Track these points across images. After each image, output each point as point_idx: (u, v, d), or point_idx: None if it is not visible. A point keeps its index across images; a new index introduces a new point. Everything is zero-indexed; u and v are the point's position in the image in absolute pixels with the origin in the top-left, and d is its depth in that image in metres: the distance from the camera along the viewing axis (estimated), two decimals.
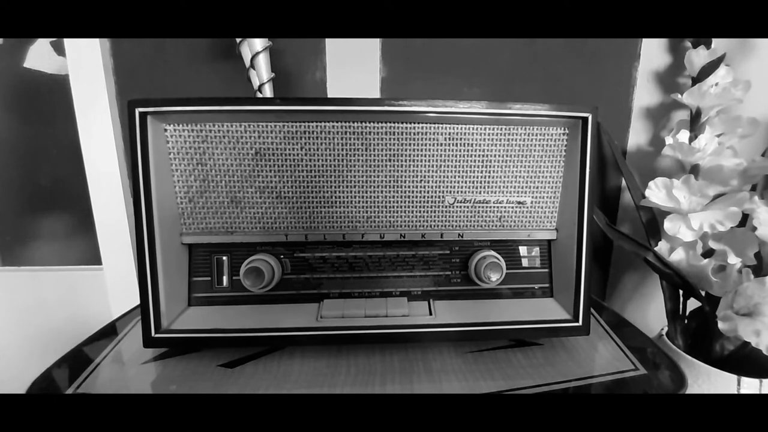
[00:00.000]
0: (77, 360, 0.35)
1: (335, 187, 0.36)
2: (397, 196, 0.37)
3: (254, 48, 0.49)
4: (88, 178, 0.63)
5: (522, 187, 0.38)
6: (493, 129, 0.36)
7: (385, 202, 0.37)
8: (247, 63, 0.51)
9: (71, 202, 0.70)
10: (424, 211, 0.38)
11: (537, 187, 0.38)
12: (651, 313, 0.69)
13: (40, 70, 0.65)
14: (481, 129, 0.36)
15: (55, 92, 0.65)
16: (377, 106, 0.33)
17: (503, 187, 0.37)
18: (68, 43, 0.59)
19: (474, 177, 0.37)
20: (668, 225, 0.48)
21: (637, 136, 0.64)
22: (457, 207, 0.38)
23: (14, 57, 0.64)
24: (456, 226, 0.38)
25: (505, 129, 0.36)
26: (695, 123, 0.54)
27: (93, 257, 0.70)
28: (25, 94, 0.66)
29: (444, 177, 0.37)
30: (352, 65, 0.60)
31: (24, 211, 0.71)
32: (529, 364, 0.35)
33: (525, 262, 0.40)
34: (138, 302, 0.39)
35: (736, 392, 0.45)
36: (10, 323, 0.74)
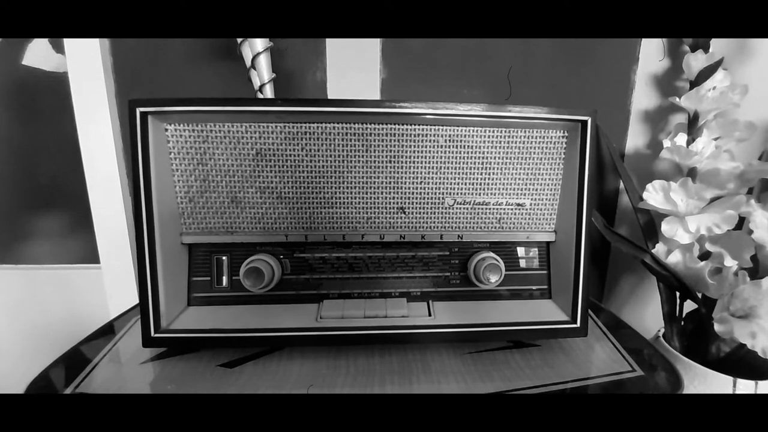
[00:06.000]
0: (75, 359, 0.35)
1: (335, 187, 0.36)
2: (397, 198, 0.37)
3: (255, 48, 0.49)
4: (86, 176, 0.63)
5: (521, 189, 0.38)
6: (493, 131, 0.36)
7: (385, 203, 0.37)
8: (248, 63, 0.51)
9: (70, 201, 0.70)
10: (423, 213, 0.38)
11: (536, 190, 0.38)
12: (648, 314, 0.70)
13: (38, 68, 0.65)
14: (481, 131, 0.36)
15: (54, 90, 0.65)
16: (378, 108, 0.34)
17: (503, 189, 0.38)
18: (67, 41, 0.59)
19: (474, 179, 0.37)
20: (665, 227, 0.49)
21: (635, 139, 0.64)
22: (456, 208, 0.38)
23: (12, 54, 0.64)
24: (455, 227, 0.39)
25: (505, 131, 0.36)
26: (693, 126, 0.54)
27: (91, 256, 0.70)
28: (24, 92, 0.66)
29: (444, 179, 0.37)
30: (353, 66, 0.60)
31: (22, 209, 0.71)
32: (527, 365, 0.35)
33: (524, 264, 0.40)
34: (136, 301, 0.39)
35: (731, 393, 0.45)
36: (8, 322, 0.74)
